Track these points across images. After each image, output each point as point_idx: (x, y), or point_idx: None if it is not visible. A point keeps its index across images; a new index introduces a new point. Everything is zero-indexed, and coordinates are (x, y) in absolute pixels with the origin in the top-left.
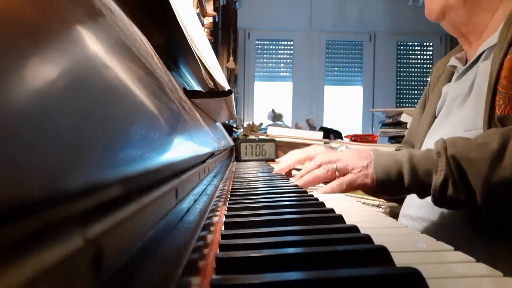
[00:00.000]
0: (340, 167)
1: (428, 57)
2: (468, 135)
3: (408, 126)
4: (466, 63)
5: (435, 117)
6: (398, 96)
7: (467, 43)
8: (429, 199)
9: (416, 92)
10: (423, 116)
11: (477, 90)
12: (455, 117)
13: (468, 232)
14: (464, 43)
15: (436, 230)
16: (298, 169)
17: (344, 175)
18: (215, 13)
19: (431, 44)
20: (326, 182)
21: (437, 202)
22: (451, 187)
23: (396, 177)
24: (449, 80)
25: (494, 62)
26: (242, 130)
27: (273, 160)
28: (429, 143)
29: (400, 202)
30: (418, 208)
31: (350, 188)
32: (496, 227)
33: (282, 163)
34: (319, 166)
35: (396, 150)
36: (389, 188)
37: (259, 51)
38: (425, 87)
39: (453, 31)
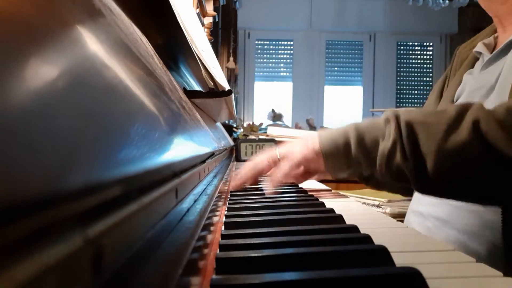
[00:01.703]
0: (282, 152)
1: (428, 57)
2: None
3: None
4: (494, 50)
5: (453, 103)
6: (398, 96)
7: (501, 26)
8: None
9: (416, 92)
10: (441, 100)
11: (501, 84)
12: None
13: (491, 239)
14: (498, 25)
15: (453, 232)
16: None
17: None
18: (215, 13)
19: (431, 44)
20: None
21: (383, 172)
22: (399, 154)
23: (344, 147)
24: (472, 66)
25: None
26: (242, 130)
27: None
28: None
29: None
30: (432, 206)
31: (297, 165)
32: None
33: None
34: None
35: None
36: (337, 160)
37: (259, 51)
38: (425, 87)
39: (489, 9)
